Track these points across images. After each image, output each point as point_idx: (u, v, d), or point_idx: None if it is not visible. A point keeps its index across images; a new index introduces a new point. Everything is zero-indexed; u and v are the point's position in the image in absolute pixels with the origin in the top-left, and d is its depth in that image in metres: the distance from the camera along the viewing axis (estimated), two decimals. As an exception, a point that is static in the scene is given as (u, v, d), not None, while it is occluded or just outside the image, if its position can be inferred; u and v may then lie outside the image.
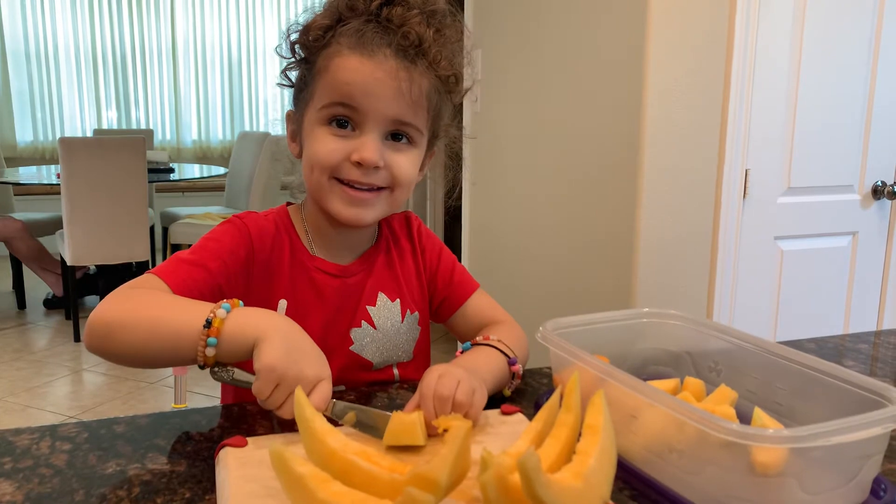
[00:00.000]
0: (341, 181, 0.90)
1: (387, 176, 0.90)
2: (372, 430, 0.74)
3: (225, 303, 0.76)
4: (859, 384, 0.69)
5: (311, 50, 0.90)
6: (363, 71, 0.85)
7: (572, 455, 0.61)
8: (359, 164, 0.88)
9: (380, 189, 0.91)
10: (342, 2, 0.88)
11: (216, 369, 0.77)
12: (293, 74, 0.96)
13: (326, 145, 0.88)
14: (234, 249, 0.91)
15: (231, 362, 0.77)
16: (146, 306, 0.79)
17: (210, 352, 0.74)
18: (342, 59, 0.87)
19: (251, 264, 0.93)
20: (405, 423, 0.70)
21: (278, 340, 0.73)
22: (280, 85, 0.97)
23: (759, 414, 0.70)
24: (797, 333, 2.19)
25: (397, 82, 0.86)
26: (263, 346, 0.72)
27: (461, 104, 1.01)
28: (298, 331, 0.77)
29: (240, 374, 0.77)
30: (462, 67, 0.94)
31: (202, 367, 0.76)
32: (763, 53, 2.02)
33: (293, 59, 0.94)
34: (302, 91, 0.93)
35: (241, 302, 0.78)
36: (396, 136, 0.90)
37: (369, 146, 0.87)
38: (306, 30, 0.90)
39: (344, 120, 0.88)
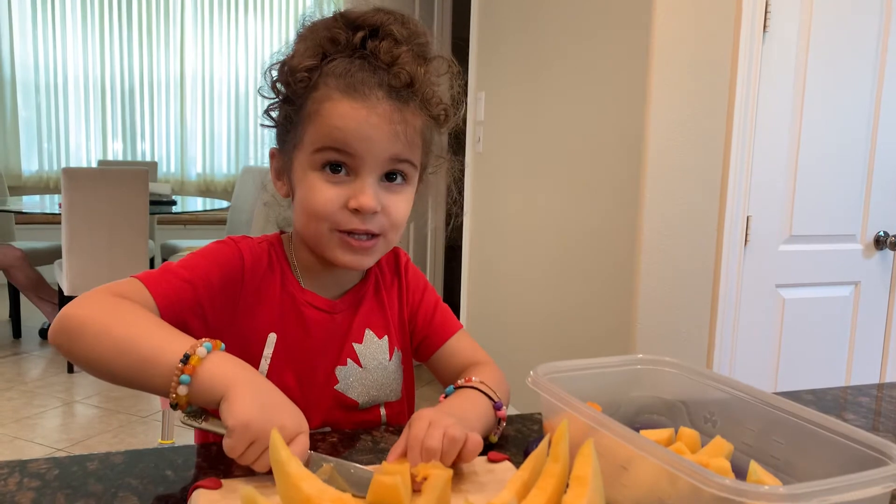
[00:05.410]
0: (341, 230, 0.88)
1: (383, 221, 0.88)
2: (352, 486, 0.69)
3: (207, 342, 0.73)
4: (859, 440, 0.67)
5: (297, 92, 0.87)
6: (357, 117, 0.83)
7: (558, 508, 0.58)
8: (356, 211, 0.86)
9: (378, 235, 0.90)
10: (323, 36, 0.86)
11: (188, 412, 0.73)
12: (276, 113, 0.93)
13: (322, 194, 0.86)
14: (224, 272, 0.89)
15: (199, 405, 0.74)
16: (127, 320, 0.76)
17: (182, 390, 0.71)
18: (333, 104, 0.84)
19: (240, 291, 0.90)
20: (387, 486, 0.66)
21: (249, 395, 0.70)
22: (263, 126, 0.94)
23: (755, 468, 0.68)
24: (799, 382, 2.16)
25: (392, 125, 0.84)
26: (234, 400, 0.69)
27: (463, 143, 1.00)
28: (269, 385, 0.74)
29: (212, 422, 0.73)
30: (450, 99, 0.92)
31: (174, 408, 0.73)
32: (765, 100, 2.03)
33: (277, 99, 0.91)
34: (289, 132, 0.90)
35: (223, 345, 0.75)
36: (391, 175, 0.88)
37: (367, 192, 0.85)
38: (291, 70, 0.86)
39: (338, 165, 0.86)
